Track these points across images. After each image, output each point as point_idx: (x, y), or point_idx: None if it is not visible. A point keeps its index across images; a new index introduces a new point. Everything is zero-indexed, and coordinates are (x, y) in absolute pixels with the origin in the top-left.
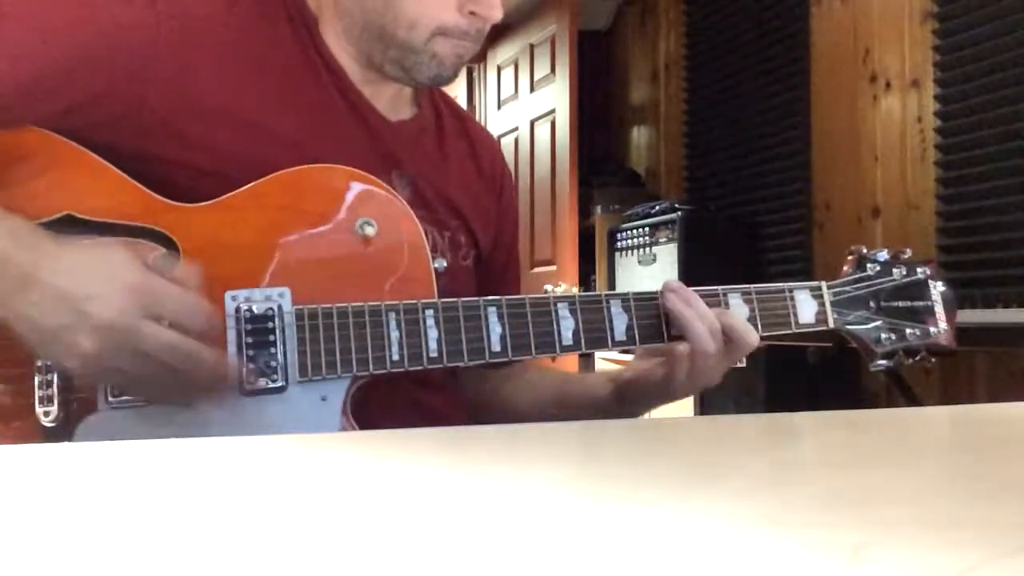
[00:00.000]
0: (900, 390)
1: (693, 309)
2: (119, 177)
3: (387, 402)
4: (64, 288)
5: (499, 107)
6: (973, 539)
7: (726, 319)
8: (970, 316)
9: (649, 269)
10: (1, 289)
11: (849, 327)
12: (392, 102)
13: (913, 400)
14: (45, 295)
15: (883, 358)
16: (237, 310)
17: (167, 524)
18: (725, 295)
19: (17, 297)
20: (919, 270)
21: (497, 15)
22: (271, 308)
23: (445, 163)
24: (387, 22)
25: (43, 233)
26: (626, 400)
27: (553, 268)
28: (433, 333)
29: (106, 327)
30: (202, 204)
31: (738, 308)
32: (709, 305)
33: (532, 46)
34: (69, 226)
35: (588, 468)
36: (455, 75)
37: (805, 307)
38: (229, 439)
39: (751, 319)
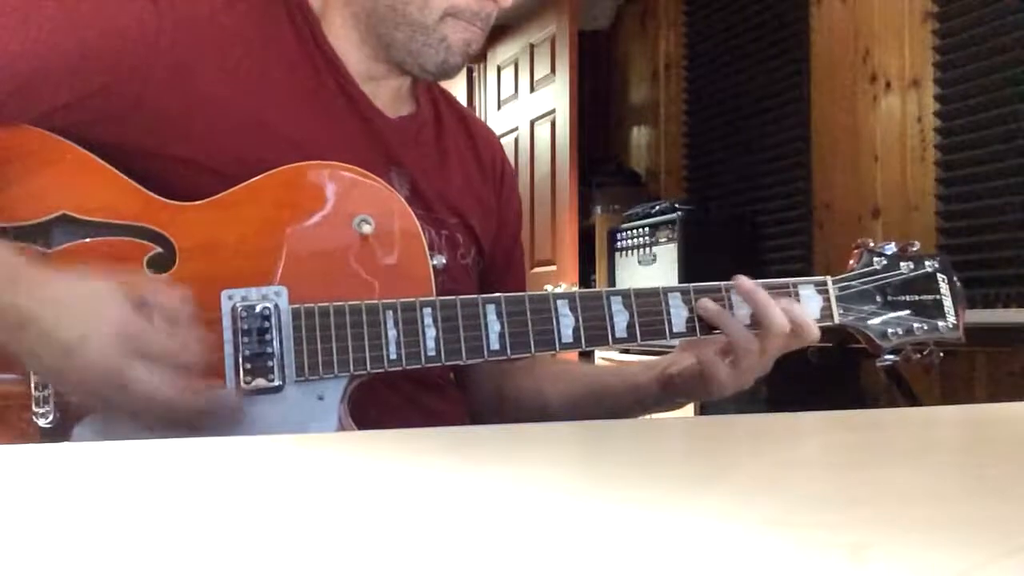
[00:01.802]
0: (900, 390)
1: (765, 294)
2: (116, 176)
3: (386, 402)
4: (53, 333)
5: (499, 107)
6: (973, 539)
7: (795, 309)
8: (970, 316)
9: (649, 269)
10: (3, 324)
11: (855, 322)
12: (392, 98)
13: (913, 400)
14: (39, 339)
15: (890, 353)
16: (234, 309)
17: (166, 524)
18: (796, 287)
19: (17, 334)
20: (927, 263)
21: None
22: (268, 307)
23: (444, 160)
24: (397, 2)
25: (23, 265)
26: (671, 392)
27: (553, 268)
28: (431, 331)
29: (93, 368)
30: (199, 202)
31: (810, 300)
32: (778, 295)
33: (532, 46)
34: (65, 225)
35: (588, 468)
36: (463, 63)
37: (810, 303)
38: (228, 439)
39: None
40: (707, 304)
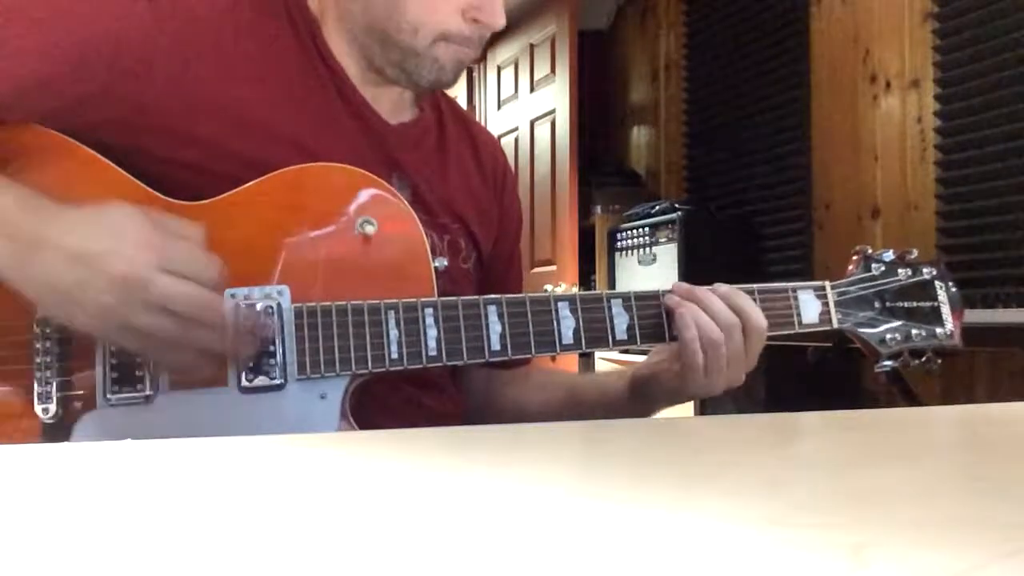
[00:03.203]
0: (900, 390)
1: (695, 301)
2: (119, 175)
3: (386, 402)
4: (75, 247)
5: (499, 107)
6: (973, 539)
7: (735, 299)
8: (970, 316)
9: (649, 269)
10: (11, 253)
11: (853, 328)
12: (394, 104)
13: (913, 400)
14: (57, 255)
15: (888, 359)
16: (236, 308)
17: (166, 524)
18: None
19: (28, 260)
20: (925, 270)
21: (500, 23)
22: (270, 306)
23: (446, 166)
24: (390, 26)
25: (47, 199)
26: (641, 397)
27: (553, 268)
28: (432, 332)
29: (121, 280)
30: (201, 202)
31: (809, 304)
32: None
33: (532, 46)
34: None
35: (588, 468)
36: (455, 79)
37: (809, 307)
38: (228, 439)
39: None
40: (670, 297)
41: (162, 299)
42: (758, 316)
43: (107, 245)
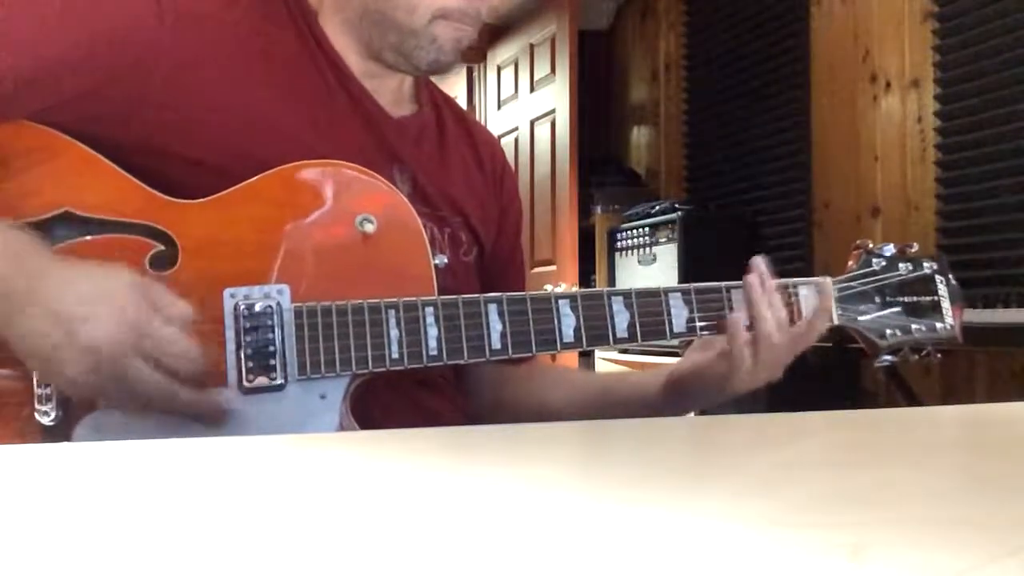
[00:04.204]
0: (900, 390)
1: (766, 294)
2: (118, 173)
3: (386, 402)
4: (59, 308)
5: (499, 107)
6: (973, 539)
7: (786, 310)
8: (970, 316)
9: (649, 269)
10: (2, 310)
11: (853, 323)
12: (394, 98)
13: (913, 400)
14: (42, 315)
15: (888, 354)
16: (236, 307)
17: (166, 524)
18: (795, 287)
19: (16, 317)
20: (926, 265)
21: None
22: (270, 305)
23: (446, 160)
24: (386, 7)
25: (45, 251)
26: (680, 395)
27: (553, 268)
28: (433, 331)
29: (94, 350)
30: (201, 200)
31: (809, 300)
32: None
33: (532, 46)
34: (67, 223)
35: (588, 468)
36: (455, 61)
37: (809, 303)
38: (228, 439)
39: None
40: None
41: (133, 383)
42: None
43: (89, 310)
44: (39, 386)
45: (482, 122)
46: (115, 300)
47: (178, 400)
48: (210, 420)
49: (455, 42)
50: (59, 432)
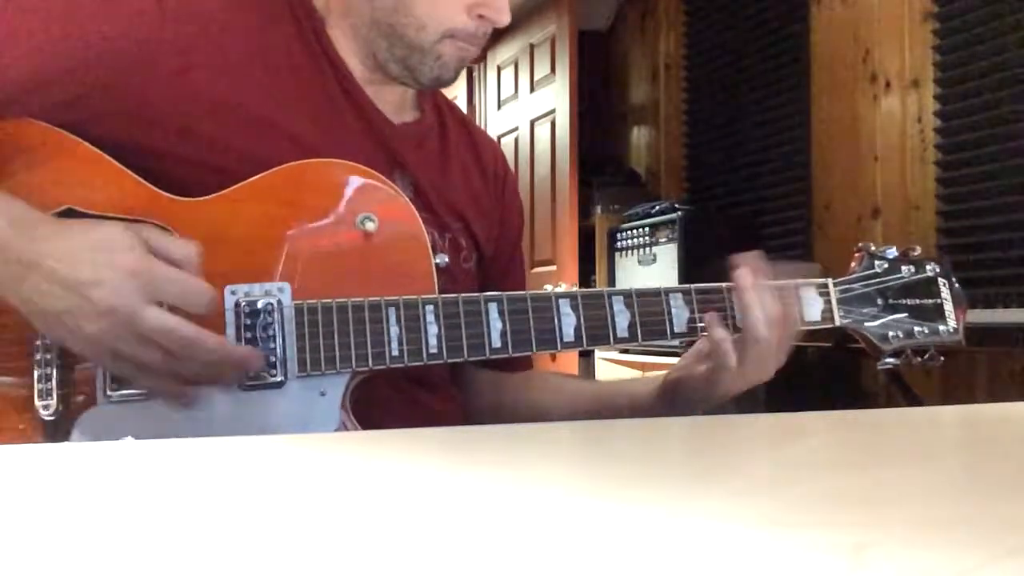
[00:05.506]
0: (900, 390)
1: (757, 293)
2: (121, 171)
3: (386, 401)
4: (66, 274)
5: (499, 107)
6: (973, 539)
7: (774, 303)
8: (971, 316)
9: (649, 269)
10: (4, 275)
11: (856, 325)
12: (396, 104)
13: (913, 400)
14: (49, 281)
15: (890, 356)
16: (236, 304)
17: (166, 524)
18: (797, 289)
19: (21, 283)
20: (928, 267)
21: (505, 19)
22: (271, 303)
23: (448, 166)
24: (396, 21)
25: (42, 217)
26: (674, 400)
27: (553, 268)
28: (433, 329)
29: (108, 312)
30: (202, 198)
31: (811, 302)
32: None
33: (532, 46)
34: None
35: (588, 468)
36: (456, 77)
37: (811, 305)
38: (228, 439)
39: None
40: (743, 278)
41: (149, 332)
42: (794, 310)
43: (97, 275)
44: (39, 381)
45: (482, 122)
46: (119, 259)
47: (195, 343)
48: (237, 367)
49: (459, 61)
50: (59, 427)
